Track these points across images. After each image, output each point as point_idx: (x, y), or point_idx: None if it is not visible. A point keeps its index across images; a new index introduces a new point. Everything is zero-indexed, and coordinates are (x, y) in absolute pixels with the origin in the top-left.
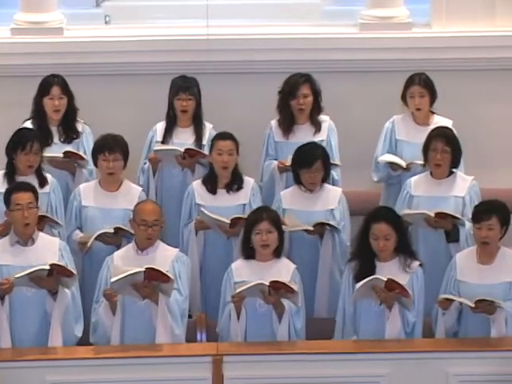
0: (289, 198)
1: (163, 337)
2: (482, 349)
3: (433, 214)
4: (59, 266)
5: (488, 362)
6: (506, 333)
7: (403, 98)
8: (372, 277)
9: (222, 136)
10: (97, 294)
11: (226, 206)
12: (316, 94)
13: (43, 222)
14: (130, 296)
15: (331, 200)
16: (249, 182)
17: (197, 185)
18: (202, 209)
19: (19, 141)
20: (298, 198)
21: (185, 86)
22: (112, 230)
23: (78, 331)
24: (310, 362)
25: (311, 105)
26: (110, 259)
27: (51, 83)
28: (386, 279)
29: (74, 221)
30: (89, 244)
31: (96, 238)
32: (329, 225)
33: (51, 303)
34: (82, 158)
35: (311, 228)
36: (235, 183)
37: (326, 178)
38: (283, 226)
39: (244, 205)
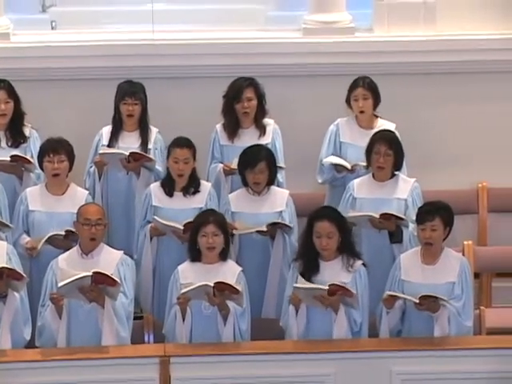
0: (237, 201)
1: (109, 339)
2: (425, 348)
3: (378, 216)
4: (10, 269)
5: (431, 360)
6: (448, 332)
7: (347, 101)
8: (314, 286)
9: (178, 144)
10: (43, 297)
11: (182, 208)
12: (260, 97)
13: None
14: (76, 299)
15: (279, 202)
16: (206, 186)
17: (155, 187)
18: (155, 217)
19: None
20: (245, 200)
21: (131, 90)
22: (63, 233)
23: (27, 334)
24: (256, 362)
25: (255, 108)
26: (54, 263)
27: None
28: (327, 287)
29: (21, 225)
30: (39, 246)
31: (47, 241)
32: (283, 224)
33: (0, 306)
34: (29, 162)
35: (265, 229)
36: (192, 187)
37: (272, 180)
38: (234, 230)
39: (200, 208)
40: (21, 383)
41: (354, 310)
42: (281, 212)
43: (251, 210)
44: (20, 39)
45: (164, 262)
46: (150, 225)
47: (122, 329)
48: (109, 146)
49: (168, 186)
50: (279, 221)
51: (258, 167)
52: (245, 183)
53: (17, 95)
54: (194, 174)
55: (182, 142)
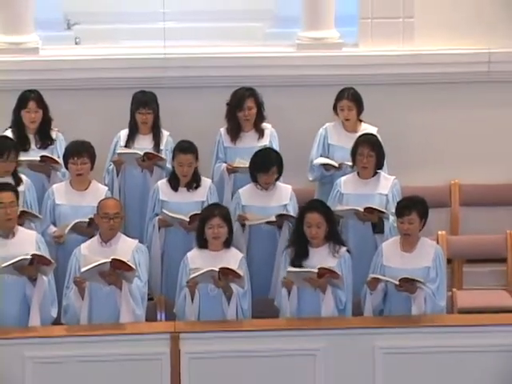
0: (247, 196)
1: (126, 317)
2: (404, 325)
3: (362, 209)
4: (39, 255)
5: (409, 336)
6: (424, 310)
7: (334, 108)
8: (305, 270)
9: (182, 149)
10: (67, 280)
11: (186, 201)
12: (259, 105)
13: (23, 217)
14: (97, 282)
15: (284, 196)
16: (206, 182)
17: (162, 183)
18: (164, 211)
19: None
20: (254, 195)
21: (144, 101)
22: (87, 220)
23: (54, 312)
24: (255, 338)
25: (255, 115)
26: (77, 250)
27: (28, 98)
28: (316, 270)
29: (49, 217)
30: (66, 231)
31: (72, 228)
32: (289, 215)
33: (31, 288)
34: (56, 162)
35: (274, 219)
36: (194, 182)
37: (278, 179)
38: (246, 221)
39: (202, 201)
40: (49, 356)
41: (339, 290)
42: (285, 205)
43: (260, 203)
44: (47, 53)
45: (170, 249)
46: (158, 217)
47: (137, 308)
48: (126, 147)
49: (173, 183)
50: (285, 213)
51: (270, 171)
52: (254, 180)
53: (45, 103)
54: (195, 172)
55: (186, 148)
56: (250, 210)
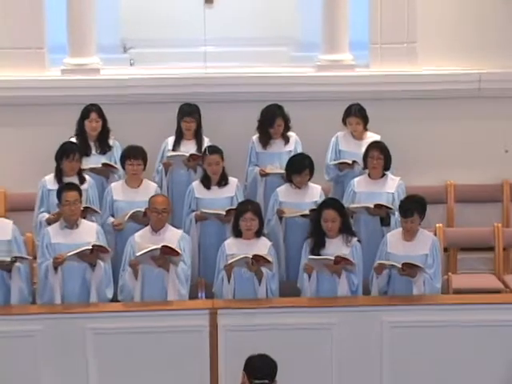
0: (283, 194)
1: (173, 295)
2: (407, 303)
3: (372, 206)
4: (99, 245)
5: (411, 312)
6: (424, 291)
7: (344, 121)
8: (324, 257)
9: (210, 151)
10: (123, 264)
11: (218, 197)
12: (286, 120)
13: (86, 212)
14: (148, 265)
15: (314, 194)
16: (233, 180)
17: (196, 184)
18: (203, 209)
19: (64, 152)
20: (290, 193)
21: (189, 111)
22: (143, 210)
23: (110, 294)
24: (281, 313)
25: (283, 127)
26: (132, 238)
27: (90, 110)
28: (333, 258)
29: (108, 210)
30: (126, 218)
31: (130, 217)
32: None
33: (90, 273)
34: (114, 168)
35: (308, 213)
36: (223, 181)
37: (310, 179)
38: (283, 214)
39: (231, 197)
40: (107, 328)
41: (352, 274)
42: (316, 201)
43: (294, 200)
44: (107, 73)
45: (206, 239)
46: (194, 212)
47: (182, 288)
48: (173, 150)
49: (206, 182)
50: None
51: (303, 173)
52: (289, 180)
53: (104, 115)
54: (223, 172)
55: (213, 150)
56: (286, 206)
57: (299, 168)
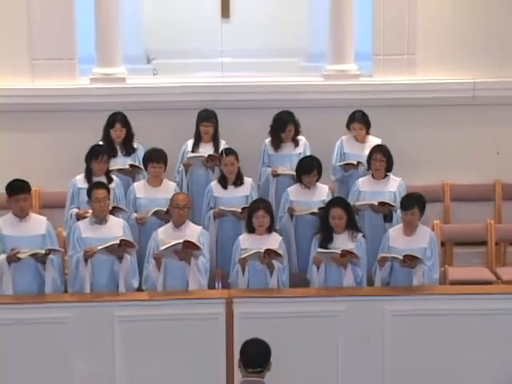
0: (294, 193)
1: (193, 285)
2: (408, 293)
3: (376, 203)
4: (126, 240)
5: (412, 302)
6: (423, 282)
7: (347, 127)
8: (331, 251)
9: (226, 153)
10: (147, 257)
11: (234, 196)
12: (296, 125)
13: (114, 211)
14: (171, 258)
15: (322, 194)
16: (248, 180)
17: (214, 184)
18: (221, 207)
19: (93, 153)
20: (300, 192)
21: (207, 116)
22: (165, 209)
23: (135, 283)
24: (291, 302)
25: (293, 132)
26: (155, 233)
27: (115, 120)
28: (340, 252)
29: (131, 207)
30: (149, 214)
31: (153, 214)
32: None
33: (118, 265)
34: (140, 169)
35: (317, 211)
36: (238, 181)
37: (318, 179)
38: (294, 212)
39: (246, 196)
40: (133, 315)
41: (357, 267)
42: (324, 200)
43: (304, 199)
44: (132, 82)
45: (223, 234)
46: (212, 210)
47: (201, 279)
48: (192, 152)
49: (223, 182)
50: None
51: (312, 173)
52: (299, 180)
53: (128, 122)
54: (239, 173)
55: (228, 152)
56: (297, 204)
57: (308, 169)
